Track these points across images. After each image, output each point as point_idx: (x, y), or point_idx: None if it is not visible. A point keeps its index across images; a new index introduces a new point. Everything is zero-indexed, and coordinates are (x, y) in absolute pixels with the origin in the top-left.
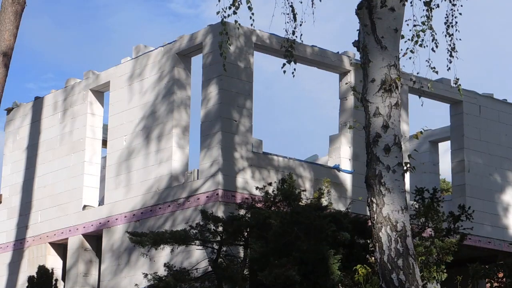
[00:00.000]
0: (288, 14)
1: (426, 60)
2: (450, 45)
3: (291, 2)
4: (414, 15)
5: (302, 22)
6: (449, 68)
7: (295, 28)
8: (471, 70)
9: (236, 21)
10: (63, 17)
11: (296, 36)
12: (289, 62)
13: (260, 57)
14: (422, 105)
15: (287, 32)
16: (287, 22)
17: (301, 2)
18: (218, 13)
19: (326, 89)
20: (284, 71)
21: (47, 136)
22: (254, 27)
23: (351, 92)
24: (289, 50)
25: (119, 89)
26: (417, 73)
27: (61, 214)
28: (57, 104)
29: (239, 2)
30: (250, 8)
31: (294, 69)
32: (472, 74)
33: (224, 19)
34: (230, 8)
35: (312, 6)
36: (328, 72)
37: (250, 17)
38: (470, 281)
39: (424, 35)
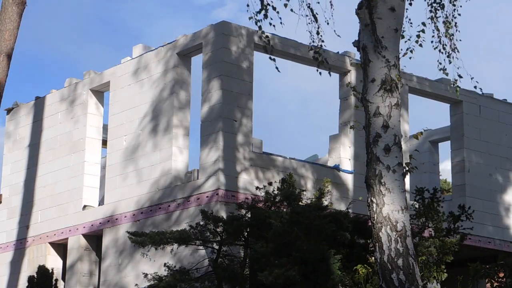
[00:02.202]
0: (307, 15)
1: (438, 61)
2: (450, 46)
3: (309, 4)
4: (429, 14)
5: (327, 21)
6: (445, 69)
7: (318, 28)
8: (471, 70)
9: (270, 23)
10: (116, 43)
11: (322, 36)
12: (318, 65)
13: (296, 76)
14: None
15: (311, 33)
16: (309, 23)
17: (318, 3)
18: (250, 18)
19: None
20: (320, 73)
21: (47, 136)
22: (282, 25)
23: (351, 92)
24: (317, 52)
25: (119, 89)
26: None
27: (61, 214)
28: (57, 104)
29: (266, 6)
30: (274, 8)
31: (324, 60)
32: (472, 74)
33: (258, 23)
34: (259, 12)
35: (331, 8)
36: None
37: (280, 18)
38: (470, 281)
39: (425, 33)
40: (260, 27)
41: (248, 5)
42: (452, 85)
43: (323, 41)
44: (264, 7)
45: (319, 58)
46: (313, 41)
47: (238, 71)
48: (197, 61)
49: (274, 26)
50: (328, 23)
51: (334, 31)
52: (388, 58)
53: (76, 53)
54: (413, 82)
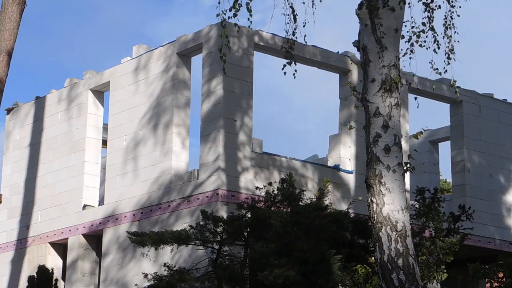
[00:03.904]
0: (288, 15)
1: (430, 62)
2: (448, 46)
3: (291, 3)
4: (412, 17)
5: (305, 23)
6: (446, 71)
7: (295, 29)
8: (471, 70)
9: (236, 24)
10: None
11: (297, 37)
12: (289, 63)
13: (315, 95)
14: (418, 107)
15: (287, 33)
16: (287, 23)
17: (304, 3)
18: (218, 15)
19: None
20: (285, 73)
21: (47, 136)
22: (251, 29)
23: (351, 92)
24: (289, 51)
25: (119, 88)
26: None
27: (61, 214)
28: (57, 104)
29: (239, 4)
30: (249, 10)
31: (295, 70)
32: (472, 74)
33: (224, 22)
34: (230, 10)
35: (313, 7)
36: (328, 72)
37: (248, 19)
38: (471, 281)
39: (426, 36)
40: (224, 26)
41: (219, 2)
42: (451, 87)
43: (295, 38)
44: (238, 5)
45: (290, 57)
46: (288, 41)
47: (239, 71)
48: (197, 61)
49: (251, 22)
50: (304, 26)
51: (305, 36)
52: (388, 58)
53: (76, 53)
54: (414, 82)
